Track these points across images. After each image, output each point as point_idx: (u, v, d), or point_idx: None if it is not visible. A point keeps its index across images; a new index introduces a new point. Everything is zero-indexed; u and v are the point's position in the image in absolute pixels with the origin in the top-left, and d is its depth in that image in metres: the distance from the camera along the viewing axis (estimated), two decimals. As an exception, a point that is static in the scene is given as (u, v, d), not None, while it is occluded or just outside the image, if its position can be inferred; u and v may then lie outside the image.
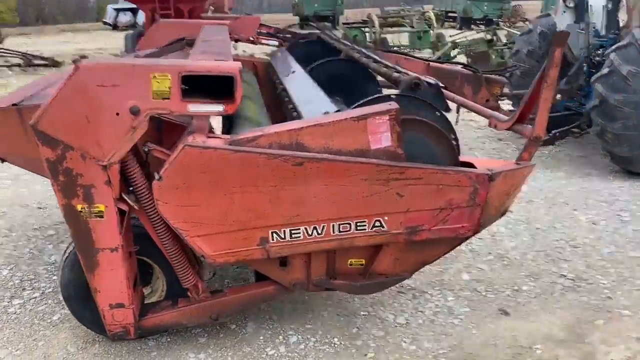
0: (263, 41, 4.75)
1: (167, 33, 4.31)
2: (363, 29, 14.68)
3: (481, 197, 2.23)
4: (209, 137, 2.09)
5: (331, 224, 2.20)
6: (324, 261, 2.39)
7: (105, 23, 29.65)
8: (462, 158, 2.34)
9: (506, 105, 6.72)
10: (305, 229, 2.19)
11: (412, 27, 15.11)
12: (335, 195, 2.14)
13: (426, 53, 14.37)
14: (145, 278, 2.60)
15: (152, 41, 4.37)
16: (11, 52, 13.28)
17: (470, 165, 2.29)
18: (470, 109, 3.01)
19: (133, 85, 1.97)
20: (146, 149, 2.12)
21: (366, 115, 2.10)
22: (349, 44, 4.35)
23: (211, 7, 26.66)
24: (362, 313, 2.78)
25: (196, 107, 2.03)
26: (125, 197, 2.15)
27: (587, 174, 4.82)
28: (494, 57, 9.19)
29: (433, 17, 14.73)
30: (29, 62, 12.77)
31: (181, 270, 2.30)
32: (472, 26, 22.77)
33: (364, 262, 2.43)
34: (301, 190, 2.11)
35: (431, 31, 14.33)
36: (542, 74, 2.28)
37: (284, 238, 2.19)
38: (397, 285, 2.97)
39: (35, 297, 2.97)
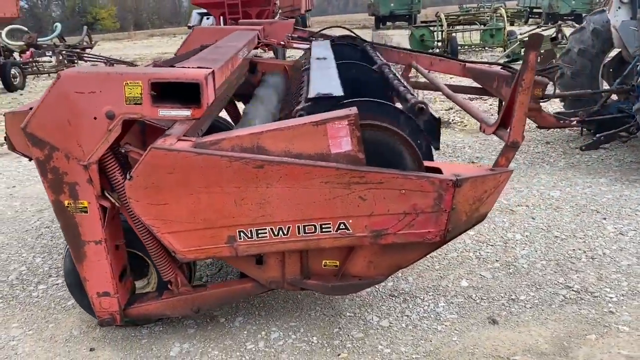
0: (294, 45, 4.86)
1: (202, 39, 4.55)
2: (431, 28, 14.43)
3: (446, 203, 2.22)
4: (180, 139, 2.23)
5: (296, 225, 2.27)
6: (297, 261, 2.46)
7: (189, 27, 31.11)
8: (434, 164, 2.33)
9: (556, 107, 6.44)
10: (271, 229, 2.27)
11: (484, 24, 14.69)
12: (298, 198, 2.21)
13: (498, 52, 13.94)
14: (143, 271, 2.80)
15: (189, 46, 4.63)
16: (96, 57, 14.32)
17: (437, 170, 2.28)
18: (467, 111, 2.96)
19: (108, 92, 2.14)
20: (123, 150, 2.30)
21: (326, 120, 2.15)
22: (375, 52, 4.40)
23: (282, 10, 27.24)
24: (347, 314, 2.82)
25: (165, 112, 2.17)
26: (109, 195, 2.33)
27: (632, 181, 4.52)
28: (558, 55, 8.75)
29: (504, 15, 14.21)
30: (110, 66, 13.72)
31: (160, 264, 2.47)
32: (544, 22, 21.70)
33: (338, 263, 2.48)
34: (264, 192, 2.20)
35: (504, 29, 13.83)
36: (517, 78, 2.23)
37: (251, 237, 2.28)
38: (391, 288, 3.00)
39: (57, 284, 3.26)
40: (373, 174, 2.18)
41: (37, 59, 14.26)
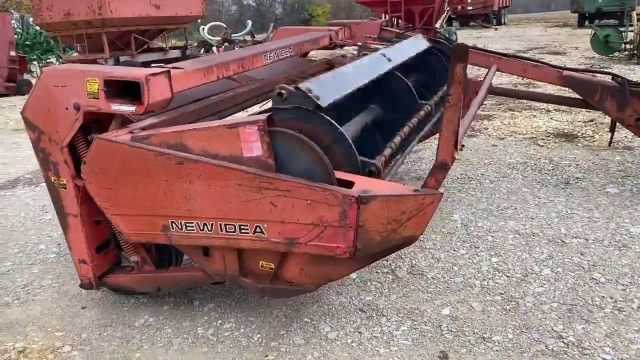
0: (372, 45, 4.80)
1: (281, 37, 4.78)
2: (620, 27, 12.68)
3: (351, 219, 2.12)
4: (131, 132, 2.47)
5: (218, 223, 2.36)
6: (235, 258, 2.54)
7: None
8: (350, 177, 2.22)
9: None
10: (197, 223, 2.40)
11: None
12: (217, 197, 2.30)
13: None
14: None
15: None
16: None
17: (348, 184, 2.17)
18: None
19: (76, 87, 2.47)
20: (90, 138, 2.62)
21: (237, 124, 2.20)
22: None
23: (472, 7, 26.07)
24: (305, 319, 2.81)
25: (116, 107, 2.43)
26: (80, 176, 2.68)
27: None
28: None
29: None
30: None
31: (123, 243, 2.75)
32: None
33: (273, 266, 2.50)
34: (188, 187, 2.34)
35: None
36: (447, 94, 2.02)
37: (182, 229, 2.44)
38: (367, 302, 2.91)
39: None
40: (281, 181, 2.18)
41: (229, 52, 15.99)
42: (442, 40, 4.49)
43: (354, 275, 3.21)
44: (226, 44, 17.23)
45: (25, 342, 2.75)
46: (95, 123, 2.61)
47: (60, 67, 2.61)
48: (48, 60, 18.86)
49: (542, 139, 5.99)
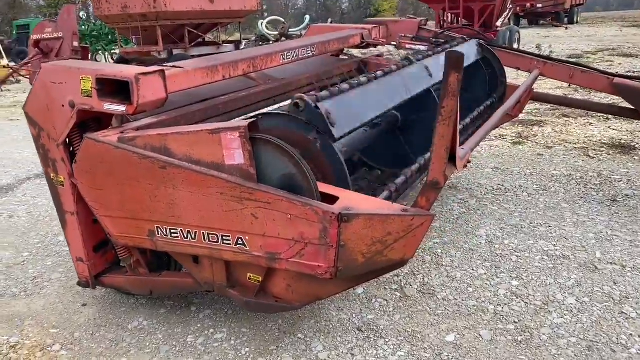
0: (407, 45, 4.57)
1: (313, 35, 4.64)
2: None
3: (332, 237, 1.96)
4: (121, 132, 2.40)
5: (202, 232, 2.26)
6: (223, 268, 2.43)
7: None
8: (336, 191, 2.05)
9: None
10: (181, 230, 2.31)
11: None
12: (200, 204, 2.20)
13: None
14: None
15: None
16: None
17: (333, 199, 2.00)
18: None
19: (71, 84, 2.43)
20: (84, 138, 2.57)
21: (219, 130, 2.08)
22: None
23: (542, 5, 24.99)
24: (299, 336, 2.67)
25: (108, 106, 2.37)
26: (78, 174, 2.64)
27: None
28: None
29: None
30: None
31: (116, 245, 2.69)
32: None
33: (260, 279, 2.37)
34: (172, 193, 2.24)
35: None
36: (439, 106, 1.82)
37: (167, 235, 2.36)
38: (367, 321, 2.74)
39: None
40: (261, 192, 2.04)
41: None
42: (489, 47, 4.20)
43: (360, 290, 3.04)
44: (283, 38, 17.26)
45: (20, 338, 2.76)
46: (95, 121, 2.57)
47: (59, 63, 2.58)
48: (112, 51, 19.52)
49: (594, 150, 5.56)
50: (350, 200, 2.00)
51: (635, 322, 2.65)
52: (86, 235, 2.73)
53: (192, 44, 12.05)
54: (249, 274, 2.40)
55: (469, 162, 2.41)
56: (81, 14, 19.69)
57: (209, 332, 2.74)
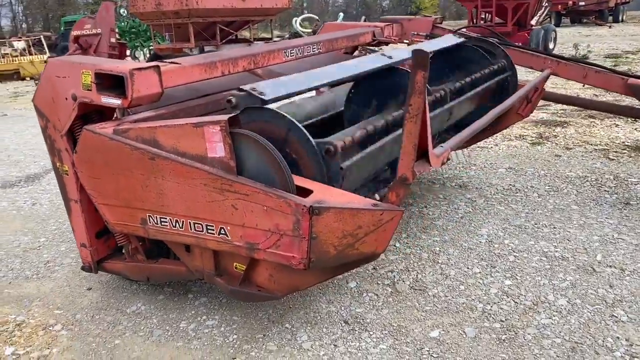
0: (418, 43, 4.57)
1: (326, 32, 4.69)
2: None
3: (304, 229, 2.02)
4: (118, 124, 2.52)
5: (188, 221, 2.36)
6: (211, 257, 2.53)
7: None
8: (311, 185, 2.11)
9: None
10: (170, 219, 2.41)
11: None
12: (186, 195, 2.30)
13: None
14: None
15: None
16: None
17: (307, 192, 2.06)
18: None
19: (74, 78, 2.56)
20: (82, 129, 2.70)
21: (202, 123, 2.17)
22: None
23: (584, 3, 24.31)
24: (286, 325, 2.74)
25: (105, 99, 2.49)
26: (82, 163, 2.78)
27: None
28: None
29: None
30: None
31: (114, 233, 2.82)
32: None
33: (244, 268, 2.46)
34: (161, 183, 2.35)
35: None
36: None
37: (157, 224, 2.47)
38: (355, 314, 2.79)
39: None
40: (240, 184, 2.12)
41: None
42: (486, 38, 4.17)
43: (352, 283, 3.09)
44: (316, 35, 17.33)
45: (26, 317, 2.92)
46: (98, 114, 2.69)
47: (63, 58, 2.71)
48: (150, 47, 19.96)
49: (615, 152, 5.43)
50: (324, 193, 2.06)
51: (625, 325, 2.61)
52: (89, 222, 2.87)
53: (224, 41, 12.25)
54: (235, 264, 2.48)
55: (448, 159, 2.43)
56: (122, 10, 20.16)
57: (202, 318, 2.84)
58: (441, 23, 4.88)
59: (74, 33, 13.82)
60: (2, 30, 49.91)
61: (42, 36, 23.65)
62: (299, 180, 2.13)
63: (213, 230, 2.29)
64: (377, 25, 4.56)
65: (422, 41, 4.57)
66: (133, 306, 2.98)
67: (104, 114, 2.70)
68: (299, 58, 3.56)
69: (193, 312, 2.90)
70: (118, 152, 2.40)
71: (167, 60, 2.76)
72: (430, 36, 4.63)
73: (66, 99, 2.60)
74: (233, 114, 2.14)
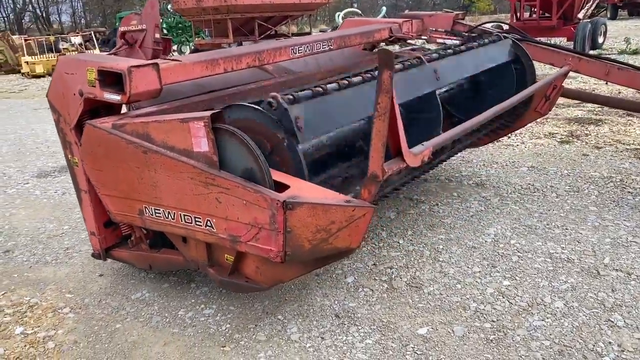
0: (438, 39, 4.54)
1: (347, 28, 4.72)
2: None
3: (279, 223, 2.08)
4: (119, 119, 2.64)
5: (178, 213, 2.46)
6: (204, 248, 2.62)
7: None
8: (288, 180, 2.16)
9: None
10: (163, 211, 2.52)
11: None
12: (175, 187, 2.40)
13: None
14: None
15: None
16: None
17: (284, 187, 2.11)
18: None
19: (80, 75, 2.70)
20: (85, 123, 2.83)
21: (188, 119, 2.26)
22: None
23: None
24: (279, 317, 2.81)
25: (107, 95, 2.62)
26: (91, 156, 2.92)
27: None
28: None
29: None
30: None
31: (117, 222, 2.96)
32: None
33: (233, 260, 2.54)
34: (154, 175, 2.46)
35: None
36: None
37: (152, 215, 2.58)
38: (349, 308, 2.84)
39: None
40: (222, 178, 2.20)
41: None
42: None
43: (349, 278, 3.13)
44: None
45: (39, 299, 3.11)
46: (105, 109, 2.83)
47: (72, 56, 2.86)
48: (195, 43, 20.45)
49: (648, 152, 5.23)
50: (300, 189, 2.11)
51: (620, 330, 2.55)
52: (97, 212, 3.02)
53: (262, 36, 12.43)
54: (225, 255, 2.57)
55: (431, 158, 2.43)
56: (169, 7, 20.69)
57: (200, 307, 2.95)
58: (463, 19, 4.81)
59: (121, 29, 14.29)
60: (62, 26, 52.12)
61: (92, 32, 24.57)
62: (279, 176, 2.19)
63: (200, 222, 2.38)
64: (396, 21, 4.55)
65: (441, 37, 4.54)
66: (138, 293, 3.12)
67: (112, 108, 2.84)
68: (307, 55, 3.61)
69: (193, 300, 3.01)
70: (116, 145, 2.52)
71: (169, 58, 2.87)
72: (450, 32, 4.58)
73: (74, 94, 2.74)
74: (216, 110, 2.22)
